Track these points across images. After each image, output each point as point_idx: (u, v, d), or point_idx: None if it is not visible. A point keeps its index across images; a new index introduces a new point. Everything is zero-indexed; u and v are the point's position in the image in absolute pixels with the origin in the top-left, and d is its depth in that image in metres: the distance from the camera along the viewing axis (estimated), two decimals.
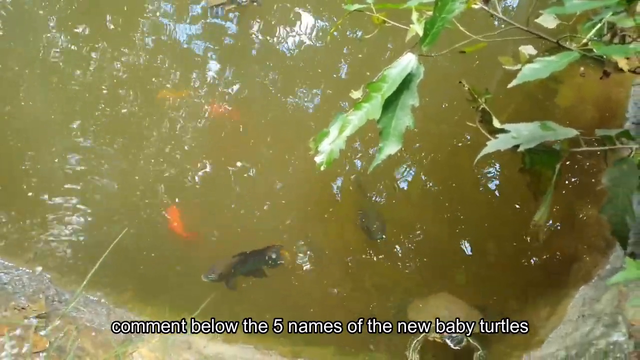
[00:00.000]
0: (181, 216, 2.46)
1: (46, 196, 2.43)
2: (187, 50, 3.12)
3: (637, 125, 2.30)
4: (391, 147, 1.63)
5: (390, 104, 1.63)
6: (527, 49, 2.28)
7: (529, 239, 2.27)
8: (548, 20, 2.17)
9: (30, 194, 2.44)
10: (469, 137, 2.64)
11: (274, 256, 2.42)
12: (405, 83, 1.63)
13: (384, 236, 2.45)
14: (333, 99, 2.89)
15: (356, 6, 1.98)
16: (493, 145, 1.66)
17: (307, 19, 3.26)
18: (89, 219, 2.38)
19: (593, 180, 2.34)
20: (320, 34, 3.16)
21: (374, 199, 2.64)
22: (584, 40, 1.68)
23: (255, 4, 3.35)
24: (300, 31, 3.21)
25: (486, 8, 1.70)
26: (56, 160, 2.57)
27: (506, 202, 2.44)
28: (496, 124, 1.76)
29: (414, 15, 1.73)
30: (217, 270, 2.30)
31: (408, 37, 1.86)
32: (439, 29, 1.61)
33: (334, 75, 3.00)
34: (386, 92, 1.63)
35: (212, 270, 2.30)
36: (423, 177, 2.62)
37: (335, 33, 2.72)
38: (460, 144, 2.66)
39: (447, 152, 2.68)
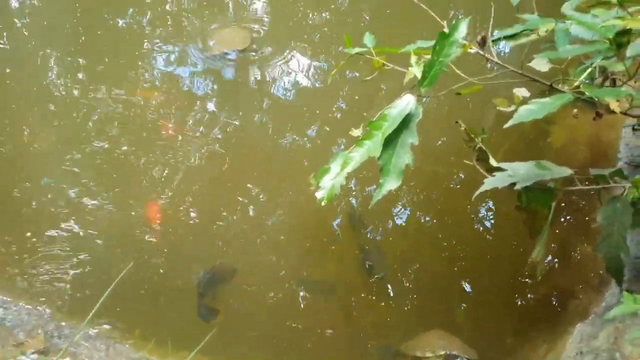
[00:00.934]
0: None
1: (47, 230, 2.45)
2: (184, 90, 3.18)
3: (629, 165, 2.37)
4: (391, 183, 1.68)
5: (390, 142, 1.69)
6: (521, 92, 2.34)
7: (526, 276, 2.30)
8: (541, 64, 2.23)
9: (30, 227, 2.46)
10: (464, 175, 2.69)
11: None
12: (405, 122, 1.70)
13: (384, 274, 2.47)
14: (331, 138, 2.95)
15: (357, 49, 2.06)
16: (490, 182, 1.72)
17: (305, 62, 3.35)
18: (90, 253, 2.39)
19: (586, 218, 2.38)
20: (318, 75, 3.24)
21: (370, 235, 2.66)
22: (576, 83, 1.75)
23: (254, 54, 3.41)
24: (298, 73, 3.29)
25: (482, 53, 1.77)
26: (51, 195, 2.60)
27: (502, 239, 2.48)
28: (493, 162, 1.82)
29: (413, 59, 1.80)
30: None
31: (406, 80, 1.92)
32: (437, 71, 1.68)
33: (330, 115, 3.06)
34: (386, 130, 1.69)
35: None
36: (419, 213, 2.65)
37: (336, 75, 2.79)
38: (456, 182, 2.71)
39: (443, 189, 2.72)
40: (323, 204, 1.95)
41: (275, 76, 3.30)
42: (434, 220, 2.62)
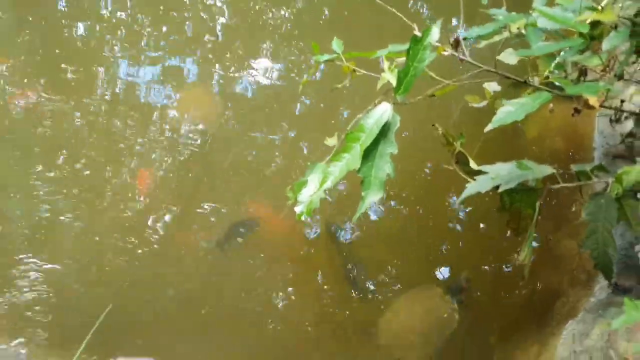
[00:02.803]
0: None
1: (21, 264, 2.35)
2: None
3: (605, 156, 2.36)
4: (373, 196, 1.62)
5: (369, 153, 1.63)
6: (492, 86, 2.32)
7: (512, 276, 2.28)
8: (509, 57, 2.22)
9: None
10: (441, 175, 2.66)
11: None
12: (383, 132, 1.64)
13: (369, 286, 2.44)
14: (300, 147, 2.89)
15: (326, 57, 2.00)
16: (473, 187, 1.68)
17: (271, 65, 3.29)
18: (68, 289, 2.30)
19: (566, 211, 2.37)
20: (285, 82, 3.18)
21: (348, 243, 2.62)
22: (551, 79, 1.72)
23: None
24: (264, 77, 3.22)
25: (456, 54, 1.72)
26: (22, 224, 2.49)
27: (485, 239, 2.46)
28: (473, 165, 1.78)
29: (385, 64, 1.75)
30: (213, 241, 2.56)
31: (379, 85, 1.87)
32: (413, 77, 1.62)
33: (298, 124, 3.00)
34: (365, 141, 1.63)
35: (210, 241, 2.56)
36: (398, 215, 2.62)
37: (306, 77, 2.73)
38: (434, 182, 2.68)
39: (421, 190, 2.69)
40: (303, 218, 1.89)
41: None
42: (415, 222, 2.59)
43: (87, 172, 2.71)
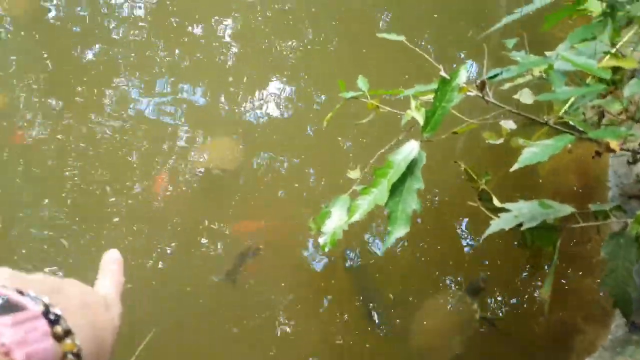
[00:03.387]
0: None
1: None
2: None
3: (621, 196, 2.41)
4: (400, 231, 1.67)
5: (396, 188, 1.69)
6: (508, 124, 2.39)
7: (531, 311, 2.31)
8: (526, 97, 2.29)
9: None
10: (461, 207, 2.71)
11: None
12: (410, 168, 1.70)
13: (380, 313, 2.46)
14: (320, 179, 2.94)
15: (351, 94, 2.07)
16: (497, 224, 1.73)
17: (285, 96, 3.36)
18: None
19: (581, 248, 2.41)
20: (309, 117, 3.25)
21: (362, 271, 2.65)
22: (572, 123, 1.79)
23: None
24: (278, 106, 3.29)
25: (481, 95, 1.79)
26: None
27: (502, 273, 2.49)
28: (496, 203, 1.83)
29: (412, 103, 1.81)
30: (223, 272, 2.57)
31: (403, 122, 1.93)
32: (440, 116, 1.69)
33: (320, 158, 3.05)
34: (392, 177, 1.69)
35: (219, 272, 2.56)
36: (418, 255, 2.65)
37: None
38: (456, 218, 2.72)
39: (440, 220, 2.73)
40: (326, 249, 1.94)
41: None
42: (432, 255, 2.63)
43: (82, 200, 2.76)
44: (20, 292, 0.44)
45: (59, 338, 0.43)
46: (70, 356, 0.44)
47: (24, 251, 2.56)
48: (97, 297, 0.55)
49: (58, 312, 0.44)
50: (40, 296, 0.45)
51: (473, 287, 2.43)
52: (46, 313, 0.43)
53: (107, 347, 0.51)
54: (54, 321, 0.44)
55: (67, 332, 0.44)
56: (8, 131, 3.05)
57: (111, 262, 0.62)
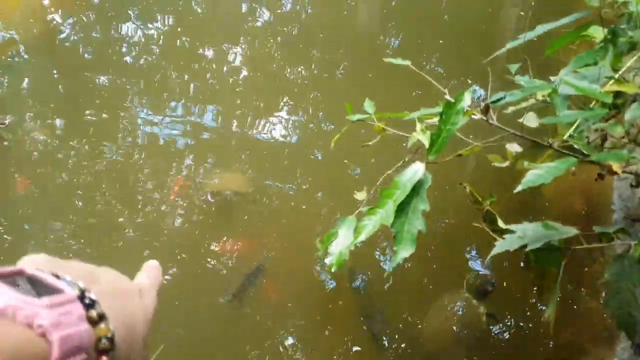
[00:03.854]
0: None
1: None
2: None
3: (625, 219, 2.43)
4: (405, 251, 1.70)
5: (402, 209, 1.72)
6: (513, 147, 2.43)
7: (536, 333, 2.31)
8: (530, 120, 2.33)
9: None
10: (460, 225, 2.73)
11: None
12: (415, 189, 1.73)
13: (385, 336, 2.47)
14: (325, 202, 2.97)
15: (358, 116, 2.11)
16: (502, 245, 1.75)
17: (291, 118, 3.41)
18: None
19: (585, 270, 2.43)
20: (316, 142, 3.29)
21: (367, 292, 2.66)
22: (576, 146, 1.82)
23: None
24: (283, 129, 3.34)
25: (485, 118, 1.83)
26: None
27: (510, 295, 2.50)
28: (501, 224, 1.85)
29: (418, 126, 1.85)
30: (230, 292, 2.59)
31: (409, 144, 1.97)
32: (445, 139, 1.73)
33: (326, 180, 3.09)
34: (398, 198, 1.72)
35: (227, 293, 2.59)
36: (424, 275, 2.66)
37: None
38: (461, 239, 2.74)
39: (449, 246, 2.75)
40: (333, 270, 1.97)
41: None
42: (437, 275, 2.64)
43: (94, 220, 2.80)
44: (57, 276, 0.45)
45: (93, 322, 0.44)
46: (104, 340, 0.45)
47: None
48: (131, 285, 0.56)
49: (93, 296, 0.46)
50: (76, 281, 0.46)
51: (481, 289, 2.45)
52: (82, 297, 0.45)
53: (138, 333, 0.51)
54: (89, 305, 0.45)
55: (102, 317, 0.45)
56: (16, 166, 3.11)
57: (151, 266, 0.63)
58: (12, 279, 0.43)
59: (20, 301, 0.40)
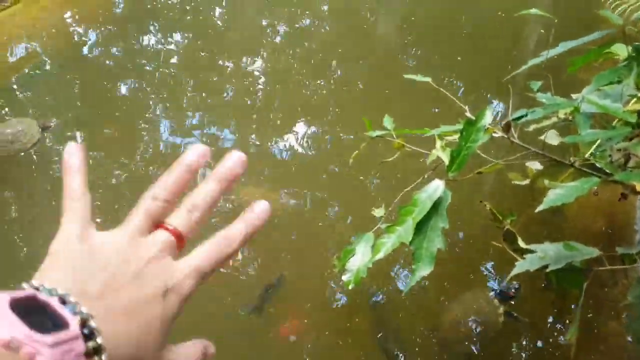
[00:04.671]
0: None
1: None
2: None
3: None
4: (424, 269, 1.67)
5: (421, 227, 1.70)
6: (534, 165, 2.41)
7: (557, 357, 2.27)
8: (552, 138, 2.30)
9: None
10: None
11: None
12: (435, 207, 1.71)
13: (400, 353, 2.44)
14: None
15: (377, 132, 2.10)
16: (522, 265, 1.72)
17: (308, 133, 3.41)
18: None
19: (607, 292, 2.38)
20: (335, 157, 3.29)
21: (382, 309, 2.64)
22: (599, 165, 1.79)
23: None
24: (299, 143, 3.34)
25: (506, 136, 1.80)
26: None
27: (529, 316, 2.46)
28: (521, 244, 1.82)
29: (438, 143, 1.83)
30: (250, 305, 2.61)
31: (429, 161, 1.95)
32: (465, 157, 1.70)
33: (344, 196, 3.08)
34: (417, 215, 1.70)
35: (247, 306, 2.61)
36: (442, 294, 2.63)
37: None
38: (481, 258, 2.71)
39: (468, 265, 2.72)
40: (350, 287, 1.94)
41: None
42: (454, 291, 2.61)
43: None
44: (63, 301, 0.44)
45: (88, 355, 0.44)
46: None
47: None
48: (154, 289, 0.51)
49: (93, 325, 0.45)
50: (81, 306, 0.45)
51: (504, 293, 2.43)
52: (82, 326, 0.44)
53: (151, 342, 0.50)
54: (87, 336, 0.44)
55: (97, 350, 0.44)
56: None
57: (249, 213, 0.59)
58: (24, 303, 0.43)
59: (26, 336, 0.40)
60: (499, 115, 3.48)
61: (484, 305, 2.45)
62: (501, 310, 2.40)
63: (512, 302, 2.40)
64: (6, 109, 3.48)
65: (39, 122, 3.20)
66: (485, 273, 2.63)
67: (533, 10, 1.86)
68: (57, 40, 3.97)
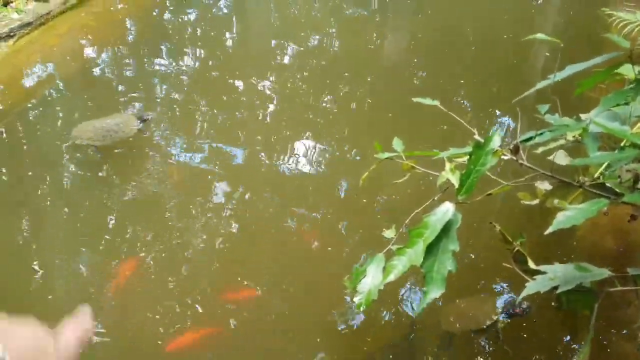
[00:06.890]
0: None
1: None
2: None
3: None
4: (436, 291, 1.68)
5: (432, 249, 1.71)
6: (544, 185, 2.42)
7: None
8: (560, 158, 2.31)
9: None
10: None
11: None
12: (445, 229, 1.72)
13: None
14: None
15: (387, 154, 2.12)
16: (532, 287, 1.73)
17: (317, 151, 3.43)
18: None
19: (620, 313, 2.37)
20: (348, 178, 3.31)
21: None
22: (609, 185, 1.80)
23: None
24: (307, 162, 3.36)
25: (515, 158, 1.82)
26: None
27: (540, 336, 2.46)
28: (531, 265, 1.83)
29: (447, 165, 1.85)
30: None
31: (439, 183, 1.97)
32: (475, 179, 1.72)
33: (358, 217, 3.09)
34: (428, 238, 1.71)
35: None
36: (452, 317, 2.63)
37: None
38: (491, 279, 2.71)
39: (478, 287, 2.72)
40: (362, 309, 1.95)
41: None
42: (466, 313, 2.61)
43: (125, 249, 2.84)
44: None
45: None
46: None
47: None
48: (46, 338, 0.65)
49: None
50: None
51: (510, 310, 2.42)
52: None
53: None
54: None
55: None
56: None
57: (80, 311, 0.74)
58: None
59: None
60: (507, 133, 3.50)
61: (482, 313, 2.46)
62: (500, 324, 2.39)
63: (523, 323, 2.40)
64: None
65: (137, 114, 3.56)
66: (496, 290, 2.63)
67: (539, 35, 1.88)
68: (72, 64, 4.05)
